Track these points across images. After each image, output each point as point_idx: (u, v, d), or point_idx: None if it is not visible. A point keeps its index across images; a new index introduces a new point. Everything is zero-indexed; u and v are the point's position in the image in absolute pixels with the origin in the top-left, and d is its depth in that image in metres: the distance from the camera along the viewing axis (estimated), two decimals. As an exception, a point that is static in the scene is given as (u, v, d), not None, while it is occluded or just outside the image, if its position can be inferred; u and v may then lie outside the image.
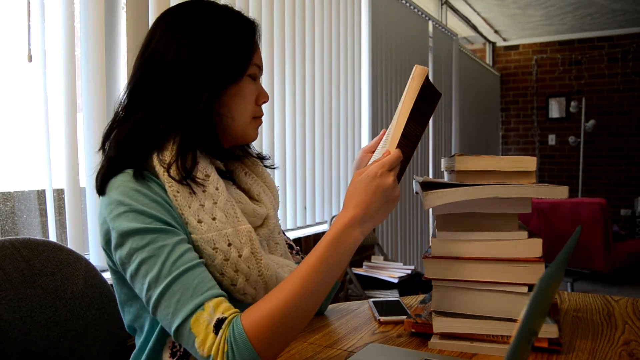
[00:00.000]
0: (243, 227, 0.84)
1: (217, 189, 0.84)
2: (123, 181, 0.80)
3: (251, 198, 0.94)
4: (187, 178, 0.81)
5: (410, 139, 0.87)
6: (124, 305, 0.89)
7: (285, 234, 1.11)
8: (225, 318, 0.74)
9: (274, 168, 1.06)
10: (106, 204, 0.80)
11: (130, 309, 0.88)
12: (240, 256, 0.82)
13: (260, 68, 0.92)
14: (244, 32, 0.89)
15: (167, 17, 0.88)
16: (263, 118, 0.97)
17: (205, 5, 0.89)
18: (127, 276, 0.79)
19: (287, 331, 0.76)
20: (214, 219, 0.82)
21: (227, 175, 0.93)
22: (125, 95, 0.89)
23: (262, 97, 0.93)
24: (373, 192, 0.81)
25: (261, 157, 1.03)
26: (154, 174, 0.82)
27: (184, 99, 0.83)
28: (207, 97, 0.84)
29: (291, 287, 0.76)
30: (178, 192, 0.81)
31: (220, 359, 0.71)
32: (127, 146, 0.83)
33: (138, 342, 0.89)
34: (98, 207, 0.84)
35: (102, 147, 0.88)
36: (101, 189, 0.83)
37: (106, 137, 0.88)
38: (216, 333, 0.72)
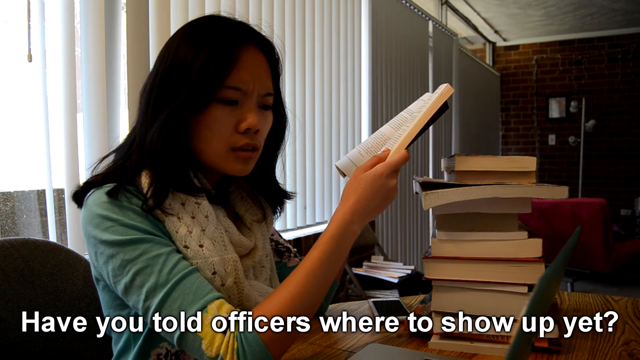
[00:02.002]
0: (230, 256, 0.82)
1: (206, 217, 0.82)
2: (103, 195, 0.78)
3: (243, 224, 0.92)
4: (155, 209, 0.79)
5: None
6: (107, 310, 0.87)
7: (282, 237, 1.11)
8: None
9: (280, 211, 1.01)
10: (89, 219, 0.78)
11: (111, 317, 0.86)
12: (223, 285, 0.81)
13: (241, 90, 0.82)
14: (215, 52, 0.80)
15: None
16: None
17: (185, 27, 0.86)
18: (120, 288, 0.77)
19: (294, 326, 0.76)
20: (201, 246, 0.80)
21: (219, 199, 0.89)
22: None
23: (243, 123, 0.82)
24: (377, 190, 0.82)
25: (282, 196, 0.99)
26: (140, 192, 0.81)
27: (150, 127, 0.81)
28: (168, 126, 0.80)
29: (296, 284, 0.77)
30: (166, 216, 0.80)
31: (230, 356, 0.71)
32: (113, 168, 0.84)
33: (115, 349, 0.87)
34: (82, 230, 0.82)
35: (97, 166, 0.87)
36: (80, 197, 0.82)
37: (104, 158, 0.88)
38: (224, 332, 0.72)
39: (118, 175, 0.81)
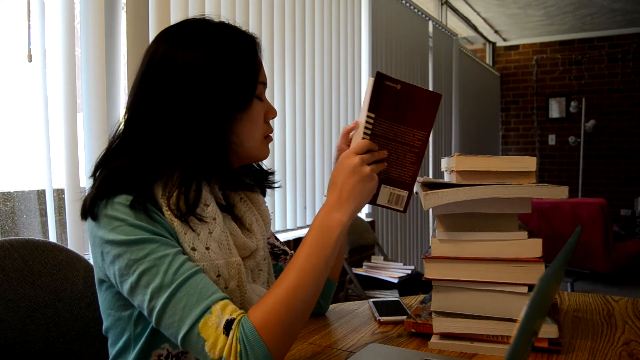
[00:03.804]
0: (234, 259, 0.84)
1: (214, 219, 0.83)
2: (118, 202, 0.77)
3: (242, 226, 0.92)
4: (187, 214, 0.79)
5: (396, 139, 0.88)
6: (108, 311, 0.86)
7: (278, 239, 1.11)
8: (234, 319, 0.73)
9: (274, 188, 1.03)
10: (97, 222, 0.78)
11: (109, 318, 0.86)
12: (226, 288, 0.81)
13: (265, 84, 0.90)
14: (247, 51, 0.86)
15: (164, 42, 0.84)
16: None
17: (202, 27, 0.85)
18: (126, 288, 0.76)
19: (293, 322, 0.76)
20: (207, 248, 0.81)
21: (225, 207, 0.90)
22: (122, 124, 0.85)
23: (270, 113, 0.92)
24: (343, 173, 0.85)
25: (266, 173, 1.01)
26: (157, 207, 0.79)
27: (189, 129, 0.81)
28: (214, 126, 0.81)
29: (290, 279, 0.77)
30: (175, 217, 0.79)
31: (233, 359, 0.71)
32: (123, 175, 0.80)
33: (112, 350, 0.86)
34: (87, 232, 0.81)
35: (93, 174, 0.84)
36: (90, 210, 0.79)
37: (99, 165, 0.84)
38: (227, 334, 0.72)
39: (136, 183, 0.79)
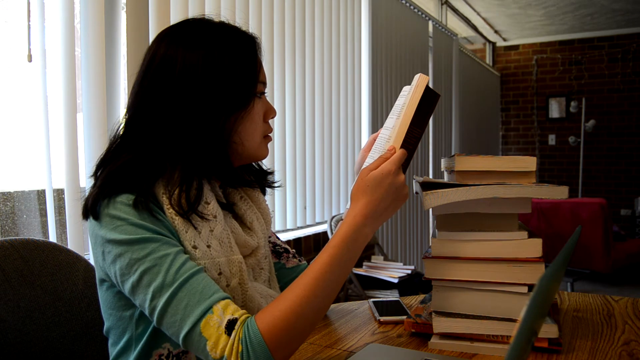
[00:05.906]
0: (235, 257, 0.84)
1: (215, 217, 0.83)
2: (120, 201, 0.77)
3: (243, 224, 0.92)
4: (189, 212, 0.80)
5: (410, 142, 0.88)
6: (109, 311, 0.86)
7: (279, 238, 1.11)
8: (237, 319, 0.73)
9: (274, 187, 1.02)
10: (98, 222, 0.78)
11: (110, 318, 0.86)
12: (228, 286, 0.82)
13: (265, 84, 0.90)
14: (248, 50, 0.86)
15: (165, 42, 0.85)
16: None
17: (202, 27, 0.86)
18: (127, 287, 0.77)
19: (301, 331, 0.76)
20: (208, 246, 0.81)
21: (225, 205, 0.91)
22: (123, 124, 0.86)
23: (269, 113, 0.91)
24: (385, 190, 0.82)
25: (265, 173, 1.01)
26: (158, 206, 0.80)
27: (190, 128, 0.81)
28: (215, 126, 0.81)
29: (305, 287, 0.76)
30: (177, 215, 0.79)
31: (234, 359, 0.71)
32: (125, 174, 0.80)
33: (113, 350, 0.86)
34: (89, 231, 0.81)
35: (94, 174, 0.84)
36: (92, 210, 0.79)
37: (100, 165, 0.84)
38: (228, 334, 0.72)
39: (138, 182, 0.79)
